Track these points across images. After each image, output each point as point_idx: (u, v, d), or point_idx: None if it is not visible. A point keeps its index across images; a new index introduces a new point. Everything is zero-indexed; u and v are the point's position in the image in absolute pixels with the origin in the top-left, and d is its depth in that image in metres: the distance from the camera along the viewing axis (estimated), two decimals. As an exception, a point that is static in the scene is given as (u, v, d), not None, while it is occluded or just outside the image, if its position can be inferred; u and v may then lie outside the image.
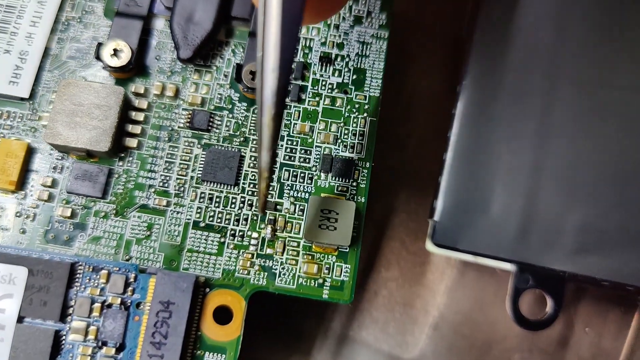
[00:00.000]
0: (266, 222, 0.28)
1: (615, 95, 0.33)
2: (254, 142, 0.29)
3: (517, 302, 0.32)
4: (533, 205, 0.32)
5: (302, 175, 0.29)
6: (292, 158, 0.29)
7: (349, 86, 0.30)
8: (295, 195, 0.29)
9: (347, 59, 0.30)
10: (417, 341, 0.35)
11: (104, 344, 0.26)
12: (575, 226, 0.32)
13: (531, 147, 0.33)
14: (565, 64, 0.33)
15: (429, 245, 0.32)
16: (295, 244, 0.28)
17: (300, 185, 0.29)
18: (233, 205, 0.28)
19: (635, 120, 0.33)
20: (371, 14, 0.31)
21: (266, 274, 0.28)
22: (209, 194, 0.28)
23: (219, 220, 0.28)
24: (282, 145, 0.29)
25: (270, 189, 0.29)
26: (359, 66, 0.30)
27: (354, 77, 0.30)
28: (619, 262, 0.32)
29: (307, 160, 0.29)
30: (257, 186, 0.28)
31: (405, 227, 0.36)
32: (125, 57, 0.29)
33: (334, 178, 0.29)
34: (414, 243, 0.36)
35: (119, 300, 0.27)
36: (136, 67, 0.30)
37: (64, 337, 0.26)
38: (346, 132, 0.29)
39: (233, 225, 0.28)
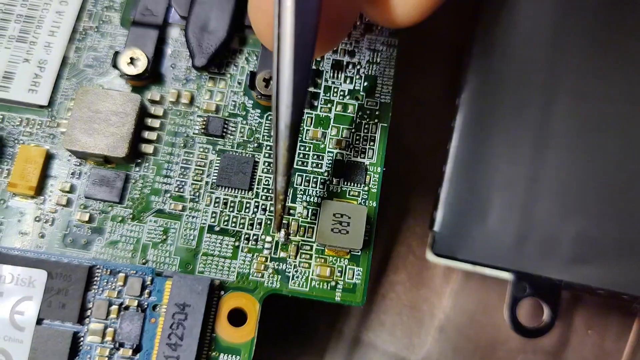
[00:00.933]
0: (272, 232, 0.28)
1: (611, 108, 0.33)
2: (268, 148, 0.29)
3: (514, 310, 0.32)
4: (530, 216, 0.32)
5: (314, 180, 0.29)
6: (305, 163, 0.29)
7: (360, 93, 0.30)
8: (308, 200, 0.28)
9: (358, 66, 0.30)
10: (423, 343, 0.35)
11: (121, 345, 0.26)
12: (571, 236, 0.31)
13: (528, 159, 0.33)
14: (561, 78, 0.33)
15: (429, 255, 0.31)
16: (308, 247, 0.28)
17: (313, 190, 0.28)
18: (247, 210, 0.28)
19: (630, 133, 0.33)
20: (381, 23, 0.30)
21: (280, 276, 0.27)
22: (224, 198, 0.28)
23: (233, 225, 0.28)
24: (294, 151, 0.29)
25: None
26: (370, 73, 0.30)
27: (365, 84, 0.30)
28: (615, 271, 0.31)
29: (319, 165, 0.29)
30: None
31: (412, 232, 0.36)
32: (141, 65, 0.29)
33: (345, 183, 0.28)
34: (420, 248, 0.36)
35: (135, 303, 0.26)
36: (152, 75, 0.29)
37: (82, 339, 0.26)
38: (357, 137, 0.29)
39: (247, 229, 0.28)
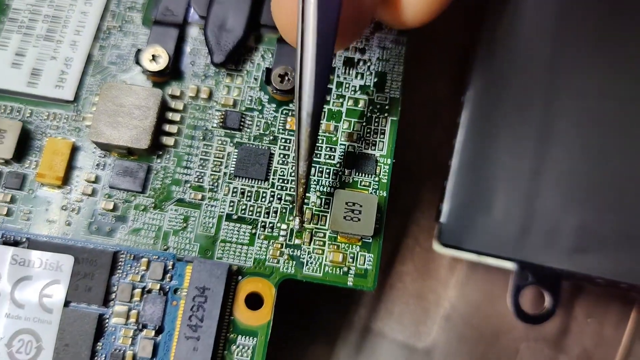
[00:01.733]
0: (294, 215, 0.28)
1: (611, 104, 0.33)
2: (283, 140, 0.29)
3: (517, 297, 0.32)
4: (533, 208, 0.32)
5: (327, 171, 0.29)
6: (318, 155, 0.29)
7: (371, 88, 0.30)
8: (321, 190, 0.29)
9: (368, 63, 0.30)
10: (429, 331, 0.35)
11: (144, 326, 0.26)
12: (571, 227, 0.32)
13: (531, 153, 0.33)
14: (564, 76, 0.33)
15: (436, 246, 0.31)
16: (322, 234, 0.28)
17: (326, 180, 0.29)
18: (263, 199, 0.28)
19: (629, 128, 0.33)
20: (391, 22, 0.31)
21: (294, 262, 0.28)
22: (241, 188, 0.28)
23: (250, 213, 0.28)
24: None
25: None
26: (379, 70, 0.30)
27: (375, 79, 0.30)
28: (613, 261, 0.32)
29: (332, 157, 0.29)
30: (295, 191, 0.28)
31: (418, 225, 0.36)
32: (162, 62, 0.29)
33: (357, 173, 0.29)
34: (427, 240, 0.36)
35: (158, 286, 0.27)
36: (172, 72, 0.30)
37: (107, 320, 0.26)
38: (368, 130, 0.29)
39: (263, 217, 0.28)
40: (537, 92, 0.33)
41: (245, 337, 0.27)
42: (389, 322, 0.35)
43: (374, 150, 0.29)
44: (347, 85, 0.30)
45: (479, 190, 0.32)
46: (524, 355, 0.35)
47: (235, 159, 0.29)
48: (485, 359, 0.35)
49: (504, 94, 0.33)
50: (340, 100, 0.30)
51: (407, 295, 0.36)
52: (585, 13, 0.34)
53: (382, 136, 0.29)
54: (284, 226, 0.28)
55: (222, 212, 0.28)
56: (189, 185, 0.29)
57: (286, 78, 0.29)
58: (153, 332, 0.26)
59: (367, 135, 0.29)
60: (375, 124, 0.30)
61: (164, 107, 0.29)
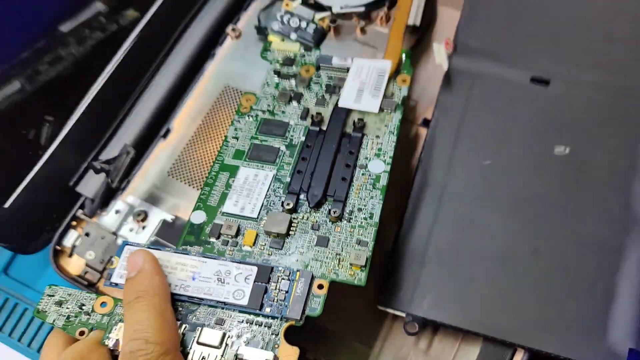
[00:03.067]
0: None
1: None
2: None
3: (406, 328, 0.51)
4: (417, 279, 0.50)
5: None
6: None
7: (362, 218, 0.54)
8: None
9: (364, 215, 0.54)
10: (380, 336, 0.55)
11: (280, 290, 0.50)
12: (430, 294, 0.48)
13: (425, 235, 0.51)
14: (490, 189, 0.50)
15: (378, 306, 0.51)
16: (348, 265, 0.52)
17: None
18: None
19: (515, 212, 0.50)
20: (377, 184, 0.57)
21: (336, 274, 0.52)
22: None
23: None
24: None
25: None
26: (372, 226, 0.54)
27: (370, 233, 0.54)
28: (453, 313, 0.48)
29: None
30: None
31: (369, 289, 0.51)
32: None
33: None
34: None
35: (287, 278, 0.51)
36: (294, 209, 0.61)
37: (267, 289, 0.51)
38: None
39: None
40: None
41: (315, 298, 0.50)
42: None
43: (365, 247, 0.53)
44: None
45: (400, 265, 0.52)
46: (412, 357, 0.53)
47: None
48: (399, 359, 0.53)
49: (434, 192, 0.52)
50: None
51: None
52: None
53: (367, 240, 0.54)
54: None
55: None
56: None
57: (333, 213, 0.53)
58: (284, 292, 0.51)
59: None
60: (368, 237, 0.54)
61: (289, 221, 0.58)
